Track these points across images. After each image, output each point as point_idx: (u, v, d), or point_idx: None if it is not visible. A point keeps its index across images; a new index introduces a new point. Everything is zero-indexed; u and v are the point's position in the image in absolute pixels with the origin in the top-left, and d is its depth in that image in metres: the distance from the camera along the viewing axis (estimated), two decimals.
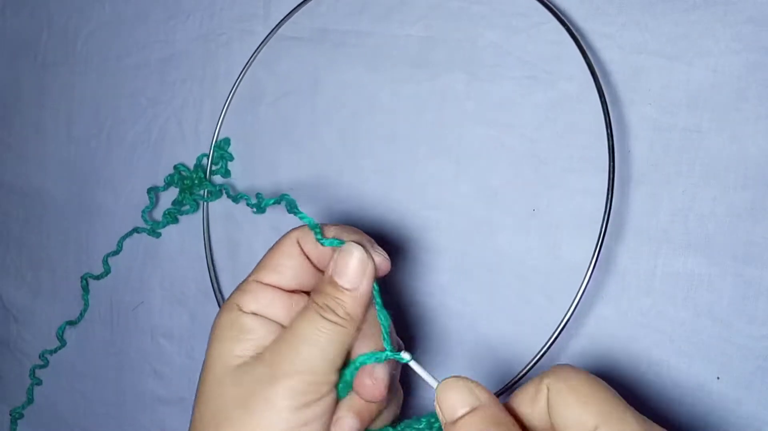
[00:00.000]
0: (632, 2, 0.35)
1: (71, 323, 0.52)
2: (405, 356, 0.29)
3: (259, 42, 0.45)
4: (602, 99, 0.35)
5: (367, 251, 0.30)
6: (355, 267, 0.30)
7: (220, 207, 0.47)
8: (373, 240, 0.32)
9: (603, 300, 0.36)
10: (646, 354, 0.35)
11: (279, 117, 0.45)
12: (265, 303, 0.31)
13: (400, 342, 0.34)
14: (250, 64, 0.45)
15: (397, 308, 0.40)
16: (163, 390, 0.49)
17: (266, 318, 0.31)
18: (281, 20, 0.44)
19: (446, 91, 0.40)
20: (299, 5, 0.43)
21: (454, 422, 0.26)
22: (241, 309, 0.31)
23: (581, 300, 0.35)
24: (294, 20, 0.43)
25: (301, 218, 0.32)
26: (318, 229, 0.31)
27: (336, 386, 0.30)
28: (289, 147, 0.44)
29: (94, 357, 0.52)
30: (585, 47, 0.36)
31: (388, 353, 0.30)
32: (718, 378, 0.34)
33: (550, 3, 0.36)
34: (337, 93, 0.43)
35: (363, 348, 0.31)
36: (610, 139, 0.35)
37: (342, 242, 0.30)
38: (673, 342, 0.34)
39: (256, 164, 0.45)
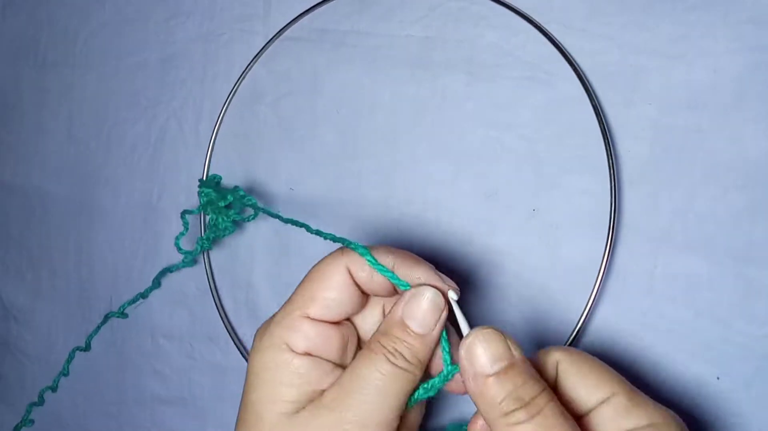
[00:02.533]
0: (632, 2, 0.35)
1: (81, 349, 0.49)
2: (452, 295, 0.28)
3: (259, 42, 0.45)
4: (595, 105, 0.35)
5: (441, 293, 0.28)
6: (429, 311, 0.28)
7: None
8: (437, 272, 0.30)
9: (603, 300, 0.36)
10: (646, 354, 0.35)
11: (279, 117, 0.45)
12: (318, 342, 0.29)
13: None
14: (251, 66, 0.45)
15: None
16: (163, 390, 0.49)
17: (319, 357, 0.29)
18: (286, 25, 0.44)
19: (446, 91, 0.40)
20: (306, 11, 0.43)
21: (488, 377, 0.25)
22: (291, 350, 0.28)
23: (592, 301, 0.35)
24: (294, 21, 0.43)
25: (362, 254, 0.29)
26: (396, 279, 0.29)
27: (397, 429, 0.28)
28: (289, 147, 0.44)
29: (94, 357, 0.52)
30: (572, 58, 0.36)
31: (454, 368, 0.28)
32: (718, 378, 0.33)
33: (533, 17, 0.36)
34: (337, 93, 0.43)
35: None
36: (608, 143, 0.35)
37: (407, 285, 0.28)
38: (673, 342, 0.34)
39: (256, 164, 0.45)
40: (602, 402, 0.26)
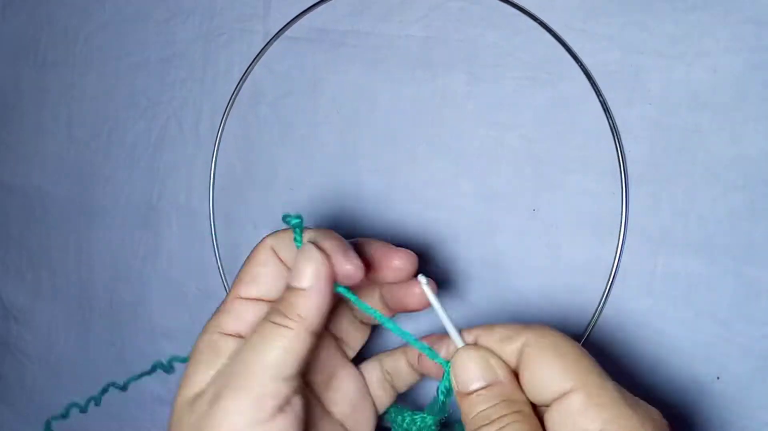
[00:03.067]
0: (632, 2, 0.35)
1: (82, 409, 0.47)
2: (423, 282, 0.29)
3: (259, 42, 0.45)
4: (603, 103, 0.35)
5: (323, 251, 0.28)
6: (307, 267, 0.27)
7: (220, 208, 0.47)
8: (350, 247, 0.29)
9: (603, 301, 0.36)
10: (646, 354, 0.35)
11: (279, 117, 0.45)
12: (250, 321, 0.29)
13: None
14: (253, 67, 0.45)
15: None
16: (163, 390, 0.49)
17: None
18: (286, 24, 0.44)
19: (446, 91, 0.40)
20: (307, 10, 0.43)
21: (468, 394, 0.26)
22: (222, 332, 0.29)
23: (601, 303, 0.35)
24: (294, 20, 0.43)
25: (287, 221, 0.29)
26: (299, 235, 0.29)
27: (294, 401, 0.27)
28: (289, 147, 0.44)
29: (94, 357, 0.52)
30: (578, 55, 0.36)
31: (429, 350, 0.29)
32: (718, 378, 0.33)
33: (540, 17, 0.36)
34: (337, 93, 0.43)
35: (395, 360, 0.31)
36: (618, 144, 0.35)
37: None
38: (673, 343, 0.34)
39: (256, 164, 0.45)
40: (559, 397, 0.25)
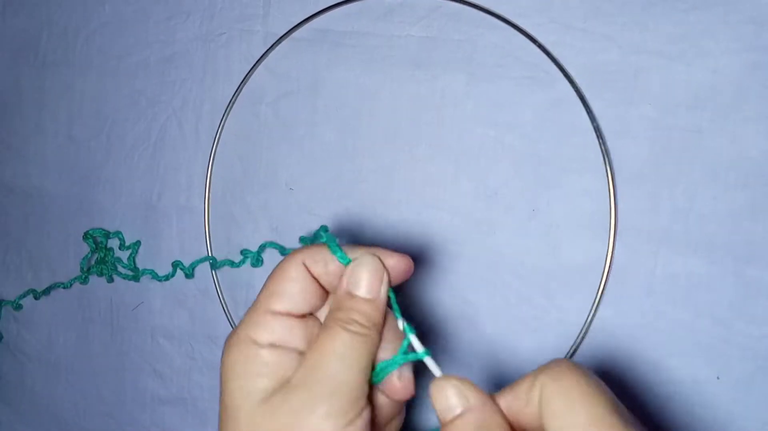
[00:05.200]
0: (632, 2, 0.35)
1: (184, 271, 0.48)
2: (420, 350, 0.29)
3: (259, 41, 0.45)
4: (587, 108, 0.35)
5: (379, 259, 0.30)
6: (371, 276, 0.30)
7: (220, 207, 0.47)
8: (386, 250, 0.31)
9: (603, 301, 0.36)
10: (647, 355, 0.35)
11: (279, 117, 0.45)
12: (282, 333, 0.30)
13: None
14: (256, 67, 0.45)
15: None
16: (163, 390, 0.49)
17: (285, 347, 0.30)
18: (292, 27, 0.44)
19: (446, 91, 0.40)
20: (313, 16, 0.43)
21: (447, 423, 0.26)
22: (256, 343, 0.30)
23: (594, 302, 0.35)
24: (294, 20, 0.43)
25: (329, 245, 0.31)
26: (338, 250, 0.30)
27: (370, 397, 0.29)
28: (289, 147, 0.44)
29: (94, 357, 0.52)
30: (560, 62, 0.36)
31: (408, 355, 0.29)
32: (718, 378, 0.33)
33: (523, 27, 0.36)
34: (337, 93, 0.43)
35: (382, 354, 0.30)
36: (603, 146, 0.35)
37: (348, 259, 0.30)
38: (673, 342, 0.34)
39: (256, 164, 0.45)
40: None
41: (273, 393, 0.28)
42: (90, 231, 0.49)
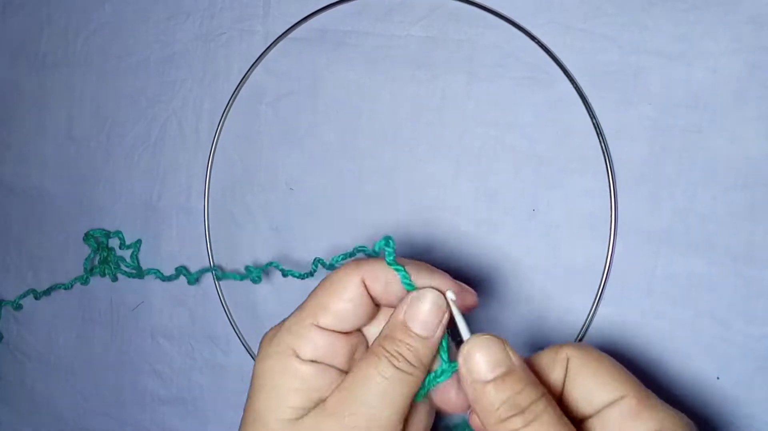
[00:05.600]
0: (632, 2, 0.35)
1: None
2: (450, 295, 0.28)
3: (259, 41, 0.45)
4: (588, 108, 0.35)
5: (443, 296, 0.28)
6: (431, 313, 0.28)
7: (220, 208, 0.47)
8: (452, 280, 0.29)
9: (603, 301, 0.36)
10: (647, 355, 0.35)
11: (279, 117, 0.45)
12: (325, 350, 0.28)
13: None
14: (254, 69, 0.45)
15: None
16: (163, 390, 0.49)
17: (325, 364, 0.28)
18: (292, 26, 0.44)
19: (446, 91, 0.40)
20: (311, 15, 0.43)
21: (487, 383, 0.25)
22: (298, 356, 0.28)
23: (594, 301, 0.35)
24: (294, 20, 0.43)
25: (397, 270, 0.28)
26: (407, 278, 0.28)
27: None
28: (289, 147, 0.44)
29: (94, 357, 0.52)
30: (563, 62, 0.36)
31: (452, 365, 0.28)
32: (718, 378, 0.34)
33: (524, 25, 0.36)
34: (337, 93, 0.43)
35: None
36: (604, 146, 0.35)
37: (413, 286, 0.28)
38: (673, 342, 0.34)
39: (256, 164, 0.45)
40: (610, 404, 0.26)
41: (304, 413, 0.27)
42: (90, 232, 0.49)
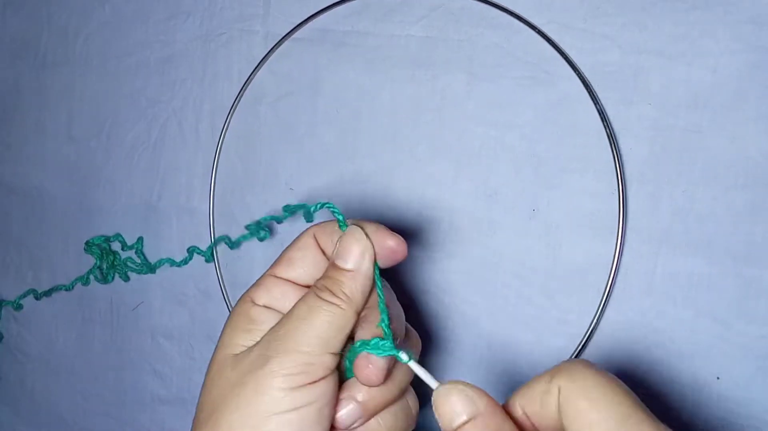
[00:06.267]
0: (632, 2, 0.35)
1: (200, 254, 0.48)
2: (403, 356, 0.28)
3: (259, 41, 0.45)
4: (598, 107, 0.35)
5: (366, 233, 0.30)
6: (354, 248, 0.30)
7: (220, 207, 0.47)
8: (387, 229, 0.31)
9: (603, 300, 0.36)
10: (646, 354, 0.35)
11: (279, 117, 0.45)
12: (278, 296, 0.31)
13: (413, 332, 0.33)
14: (257, 71, 0.45)
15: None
16: (163, 390, 0.49)
17: (276, 310, 0.31)
18: (294, 27, 0.44)
19: (446, 91, 0.40)
20: (313, 16, 0.43)
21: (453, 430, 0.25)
22: (253, 302, 0.31)
23: (601, 302, 0.35)
24: (294, 20, 0.43)
25: (333, 212, 0.32)
26: (342, 220, 0.31)
27: (334, 372, 0.29)
28: (289, 147, 0.44)
29: (94, 357, 0.52)
30: (573, 60, 0.36)
31: (387, 345, 0.28)
32: (718, 378, 0.34)
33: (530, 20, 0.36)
34: (337, 93, 0.43)
35: (368, 336, 0.29)
36: (615, 147, 0.35)
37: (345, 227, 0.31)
38: (673, 342, 0.34)
39: (256, 164, 0.45)
40: None
41: (247, 348, 0.30)
42: (90, 241, 0.49)
